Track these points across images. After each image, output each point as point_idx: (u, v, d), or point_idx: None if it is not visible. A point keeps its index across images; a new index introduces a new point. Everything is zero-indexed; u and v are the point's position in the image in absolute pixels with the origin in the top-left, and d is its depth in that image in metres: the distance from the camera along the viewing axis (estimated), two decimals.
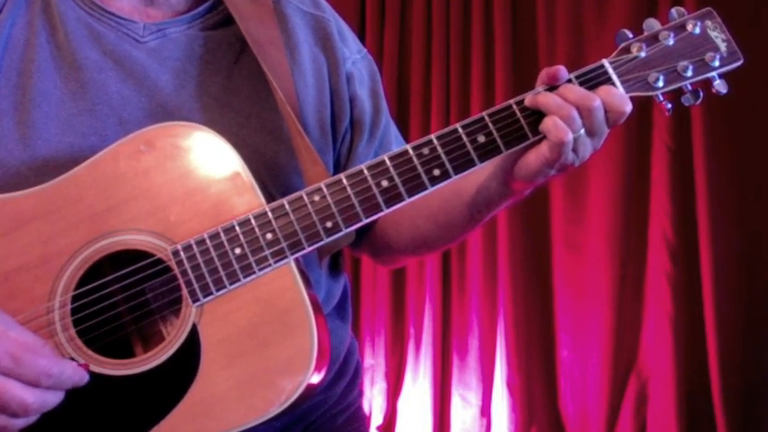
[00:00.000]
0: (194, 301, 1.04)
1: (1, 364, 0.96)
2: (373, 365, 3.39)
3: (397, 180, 1.05)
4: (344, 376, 1.36)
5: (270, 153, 1.20)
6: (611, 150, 3.01)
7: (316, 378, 1.05)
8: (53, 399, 0.99)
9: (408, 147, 1.06)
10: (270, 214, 1.05)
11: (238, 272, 1.04)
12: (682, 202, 3.06)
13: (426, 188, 1.05)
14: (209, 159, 1.08)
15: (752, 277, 3.05)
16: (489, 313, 3.28)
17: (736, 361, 3.00)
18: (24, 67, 1.16)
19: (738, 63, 1.06)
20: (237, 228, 1.05)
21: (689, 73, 1.05)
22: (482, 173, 1.11)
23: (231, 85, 1.21)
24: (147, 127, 1.09)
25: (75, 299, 1.05)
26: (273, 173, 1.19)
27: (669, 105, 1.07)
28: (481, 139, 1.05)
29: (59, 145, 1.13)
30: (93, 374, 1.03)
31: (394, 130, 1.38)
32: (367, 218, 1.06)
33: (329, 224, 1.05)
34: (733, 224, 3.03)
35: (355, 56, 1.32)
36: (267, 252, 1.05)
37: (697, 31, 1.06)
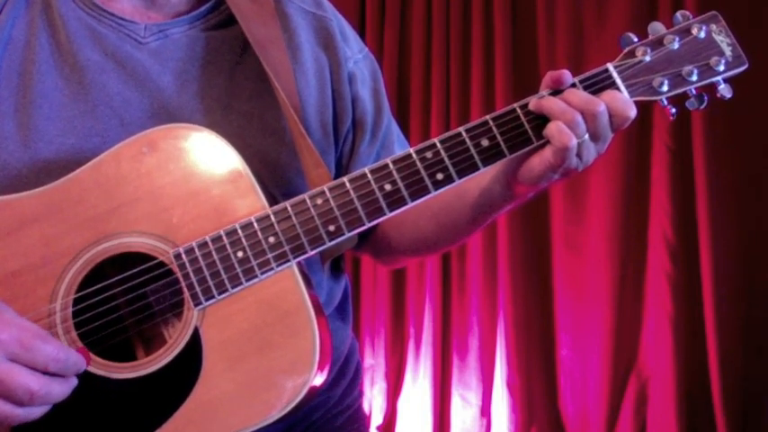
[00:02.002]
0: (196, 305, 1.04)
1: (9, 349, 0.96)
2: (373, 365, 3.39)
3: (401, 184, 1.05)
4: (345, 377, 1.36)
5: (272, 154, 1.19)
6: (612, 151, 2.98)
7: (318, 380, 1.05)
8: (58, 389, 0.99)
9: (412, 150, 1.06)
10: (272, 217, 1.05)
11: (240, 275, 1.04)
12: (682, 202, 3.06)
13: (429, 192, 1.05)
14: (212, 161, 1.08)
15: (752, 277, 3.06)
16: (489, 313, 3.28)
17: (736, 361, 3.01)
18: (25, 68, 1.16)
19: (743, 67, 1.06)
20: (240, 231, 1.05)
21: (694, 77, 1.05)
22: (485, 176, 1.11)
23: (233, 86, 1.21)
24: (150, 129, 1.09)
25: (77, 301, 1.05)
26: (275, 175, 1.19)
27: (673, 110, 1.06)
28: (485, 142, 1.04)
29: (61, 146, 1.13)
30: (95, 377, 1.03)
31: (396, 130, 1.38)
32: (370, 222, 1.05)
33: (332, 228, 1.05)
34: (733, 224, 3.03)
35: (357, 55, 1.32)
36: (269, 255, 1.04)
37: (702, 35, 1.06)
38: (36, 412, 0.99)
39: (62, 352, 0.99)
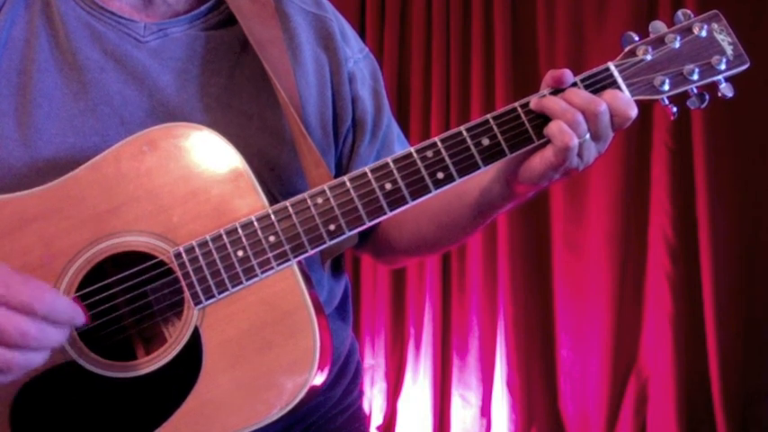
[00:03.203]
0: (196, 304, 1.04)
1: None
2: (373, 365, 3.38)
3: (401, 183, 1.05)
4: (345, 377, 1.36)
5: (272, 154, 1.19)
6: (612, 150, 2.98)
7: (318, 380, 1.05)
8: (52, 332, 0.95)
9: (412, 149, 1.05)
10: (273, 216, 1.05)
11: (241, 274, 1.04)
12: (682, 202, 3.06)
13: (430, 191, 1.05)
14: (212, 160, 1.08)
15: (752, 277, 3.06)
16: (489, 313, 3.28)
17: (736, 361, 3.01)
18: (25, 67, 1.15)
19: (744, 66, 1.05)
20: (240, 230, 1.05)
21: (695, 76, 1.05)
22: (485, 175, 1.11)
23: (233, 86, 1.21)
24: (150, 127, 1.09)
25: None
26: (275, 174, 1.19)
27: (674, 109, 1.06)
28: (485, 142, 1.04)
29: (61, 145, 1.13)
30: (95, 376, 1.03)
31: (396, 129, 1.38)
32: (370, 221, 1.05)
33: (332, 227, 1.05)
34: (733, 224, 3.04)
35: (357, 55, 1.32)
36: (270, 255, 1.04)
37: (703, 34, 1.06)
38: (35, 358, 0.95)
39: (48, 293, 0.95)
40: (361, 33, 3.43)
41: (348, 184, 1.06)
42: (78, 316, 0.98)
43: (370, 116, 1.30)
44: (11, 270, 0.96)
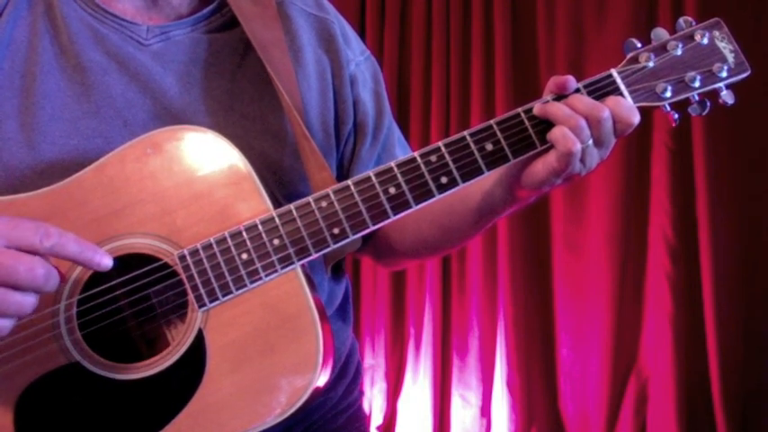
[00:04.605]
0: (200, 306, 1.04)
1: None
2: (373, 365, 3.38)
3: (405, 187, 1.05)
4: (345, 377, 1.36)
5: (275, 156, 1.20)
6: (612, 150, 2.98)
7: (321, 382, 1.06)
8: (40, 268, 0.94)
9: (416, 154, 1.06)
10: (277, 220, 1.05)
11: (245, 277, 1.04)
12: (682, 202, 3.06)
13: (434, 196, 1.05)
14: (216, 163, 1.08)
15: (752, 277, 3.06)
16: (489, 313, 3.28)
17: (737, 361, 3.01)
18: (27, 69, 1.16)
19: (746, 74, 1.06)
20: (245, 233, 1.05)
21: (696, 83, 1.05)
22: (487, 179, 1.11)
23: (235, 88, 1.21)
24: (155, 130, 1.09)
25: (80, 302, 1.05)
26: (278, 176, 1.19)
27: (676, 116, 1.07)
28: (489, 146, 1.04)
29: (64, 147, 1.13)
30: (98, 378, 1.04)
31: (397, 132, 1.38)
32: (374, 225, 1.06)
33: (336, 230, 1.05)
34: (733, 224, 3.04)
35: (358, 57, 1.32)
36: (274, 258, 1.05)
37: (705, 41, 1.06)
38: (28, 300, 0.95)
39: (53, 230, 0.95)
40: (361, 33, 3.42)
41: (352, 188, 1.06)
42: (84, 250, 0.96)
43: (371, 119, 1.31)
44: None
